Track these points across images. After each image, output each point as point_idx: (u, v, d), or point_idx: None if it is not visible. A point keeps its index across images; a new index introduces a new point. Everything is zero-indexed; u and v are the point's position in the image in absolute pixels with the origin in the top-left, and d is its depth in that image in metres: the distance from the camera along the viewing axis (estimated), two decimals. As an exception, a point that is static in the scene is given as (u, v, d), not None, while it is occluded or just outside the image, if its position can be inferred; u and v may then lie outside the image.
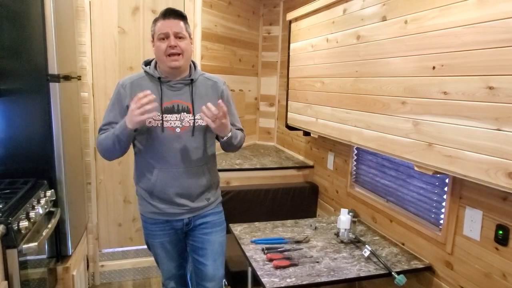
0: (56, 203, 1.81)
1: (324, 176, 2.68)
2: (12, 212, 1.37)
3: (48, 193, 1.71)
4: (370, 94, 1.72)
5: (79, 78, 2.33)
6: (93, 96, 2.50)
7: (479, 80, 1.17)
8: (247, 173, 2.71)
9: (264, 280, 1.49)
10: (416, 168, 1.46)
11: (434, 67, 1.34)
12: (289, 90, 2.71)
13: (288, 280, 1.50)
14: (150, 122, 1.54)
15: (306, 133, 2.55)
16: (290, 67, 2.68)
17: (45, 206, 1.62)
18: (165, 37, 1.51)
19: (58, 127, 1.79)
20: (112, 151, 1.53)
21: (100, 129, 1.60)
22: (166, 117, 1.56)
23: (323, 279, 1.52)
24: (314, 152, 2.84)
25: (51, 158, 1.80)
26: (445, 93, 1.29)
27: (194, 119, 1.58)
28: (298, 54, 2.55)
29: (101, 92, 2.52)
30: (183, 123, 1.57)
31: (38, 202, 1.58)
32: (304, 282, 1.49)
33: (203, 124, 1.59)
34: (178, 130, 1.57)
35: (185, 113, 1.58)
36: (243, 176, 2.70)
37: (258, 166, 2.77)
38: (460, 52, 1.23)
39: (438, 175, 1.61)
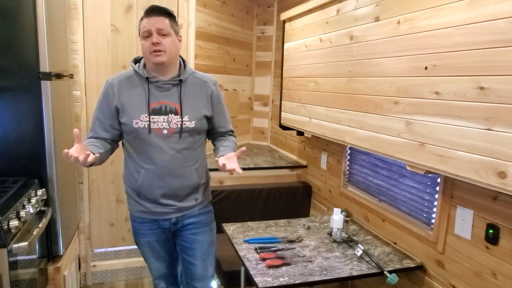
0: (47, 202, 1.80)
1: (318, 176, 2.69)
2: (2, 211, 1.35)
3: (39, 192, 1.70)
4: (363, 94, 1.73)
5: (71, 76, 2.31)
6: (85, 94, 2.48)
7: (470, 81, 1.18)
8: (240, 172, 2.71)
9: (257, 279, 1.49)
10: (408, 168, 1.47)
11: (426, 68, 1.35)
12: (283, 90, 2.71)
13: (281, 279, 1.50)
14: (137, 123, 1.53)
15: (300, 133, 2.56)
16: (284, 67, 2.68)
17: (36, 205, 1.60)
18: (148, 34, 1.49)
19: (49, 125, 1.78)
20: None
21: (90, 131, 1.59)
22: (153, 118, 1.53)
23: (316, 278, 1.52)
24: (308, 152, 2.85)
25: (42, 157, 1.78)
26: (436, 93, 1.31)
27: (182, 121, 1.56)
28: (292, 54, 2.55)
29: (94, 91, 2.50)
30: (170, 125, 1.55)
31: (29, 201, 1.57)
32: (297, 281, 1.49)
33: (190, 126, 1.58)
34: (165, 131, 1.55)
35: (172, 114, 1.55)
36: (236, 176, 2.69)
37: (251, 166, 2.77)
38: (451, 52, 1.25)
39: (430, 175, 1.62)
